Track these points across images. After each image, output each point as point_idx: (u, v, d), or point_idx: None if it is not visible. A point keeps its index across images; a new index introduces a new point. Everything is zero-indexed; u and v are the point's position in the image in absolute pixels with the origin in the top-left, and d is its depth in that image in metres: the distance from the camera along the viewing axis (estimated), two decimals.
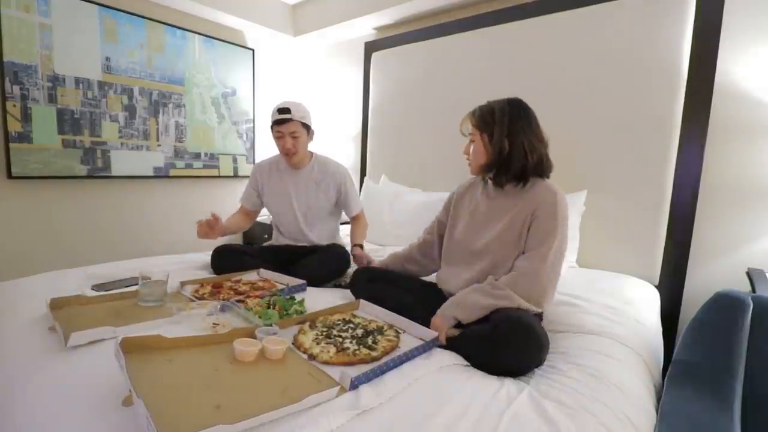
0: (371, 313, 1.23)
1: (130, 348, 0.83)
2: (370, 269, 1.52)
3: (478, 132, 1.26)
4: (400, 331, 1.12)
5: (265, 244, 2.09)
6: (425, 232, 1.52)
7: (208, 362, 0.87)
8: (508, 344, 0.98)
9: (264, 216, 2.91)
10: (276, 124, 1.77)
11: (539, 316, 1.25)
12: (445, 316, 1.15)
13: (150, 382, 0.75)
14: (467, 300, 1.15)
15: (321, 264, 1.72)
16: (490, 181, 1.33)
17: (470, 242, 1.30)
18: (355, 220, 1.98)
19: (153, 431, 0.61)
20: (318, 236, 1.90)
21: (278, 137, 1.79)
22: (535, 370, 1.01)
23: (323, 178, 1.88)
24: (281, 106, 1.77)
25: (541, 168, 1.24)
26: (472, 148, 1.29)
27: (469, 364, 1.01)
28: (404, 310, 1.20)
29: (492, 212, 1.28)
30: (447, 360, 0.99)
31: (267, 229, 2.89)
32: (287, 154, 1.80)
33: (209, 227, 1.64)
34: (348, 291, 1.49)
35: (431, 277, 1.48)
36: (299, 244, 1.91)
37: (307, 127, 1.82)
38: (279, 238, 1.99)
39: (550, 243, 1.14)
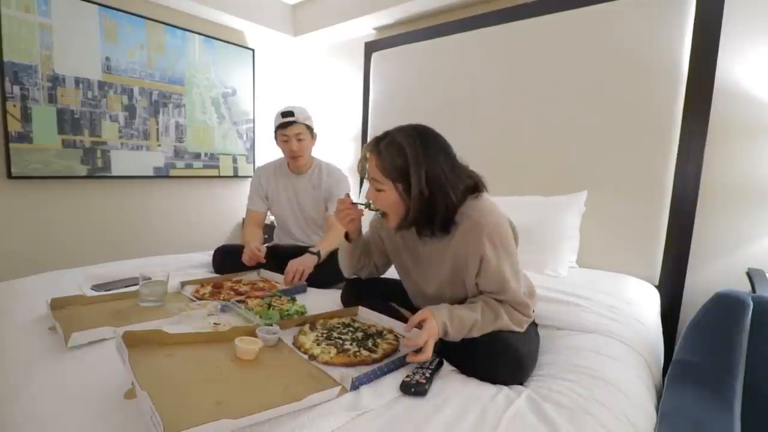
0: (370, 318, 1.23)
1: (132, 342, 0.83)
2: (357, 282, 1.37)
3: (390, 182, 1.00)
4: (399, 335, 1.12)
5: (266, 244, 2.07)
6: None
7: (209, 359, 0.87)
8: (487, 359, 0.94)
9: None
10: (281, 127, 1.75)
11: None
12: (438, 320, 0.96)
13: (152, 375, 0.75)
14: (463, 316, 0.97)
15: (323, 268, 1.65)
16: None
17: (424, 285, 1.17)
18: (329, 227, 1.84)
19: (157, 422, 0.61)
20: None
21: (284, 141, 1.77)
22: (534, 370, 1.01)
23: (320, 183, 1.87)
24: (285, 110, 1.74)
25: (464, 199, 1.03)
26: (379, 197, 1.04)
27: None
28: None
29: (432, 256, 1.11)
30: (446, 364, 0.98)
31: (267, 229, 2.88)
32: (294, 156, 1.78)
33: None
34: None
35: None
36: (301, 245, 1.90)
37: (310, 130, 1.81)
38: (282, 239, 1.98)
39: (506, 285, 1.01)
